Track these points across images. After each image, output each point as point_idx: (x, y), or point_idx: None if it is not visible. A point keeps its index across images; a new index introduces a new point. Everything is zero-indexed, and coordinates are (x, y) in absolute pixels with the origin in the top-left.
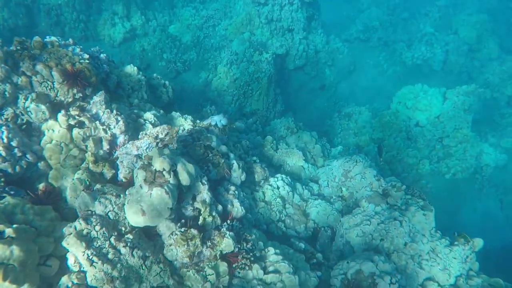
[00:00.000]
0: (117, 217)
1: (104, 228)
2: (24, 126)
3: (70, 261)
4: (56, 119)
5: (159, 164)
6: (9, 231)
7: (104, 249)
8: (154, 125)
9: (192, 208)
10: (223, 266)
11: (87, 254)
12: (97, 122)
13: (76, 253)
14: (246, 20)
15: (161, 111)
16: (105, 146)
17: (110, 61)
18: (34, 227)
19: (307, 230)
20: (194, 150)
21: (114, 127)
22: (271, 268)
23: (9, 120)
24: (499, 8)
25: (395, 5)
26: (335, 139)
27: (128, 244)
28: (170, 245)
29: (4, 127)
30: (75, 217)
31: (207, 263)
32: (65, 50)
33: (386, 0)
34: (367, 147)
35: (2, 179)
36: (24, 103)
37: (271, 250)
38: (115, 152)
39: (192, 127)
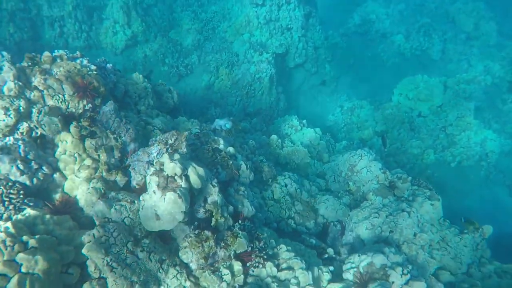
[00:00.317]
0: (132, 223)
1: (121, 234)
2: (38, 140)
3: (91, 268)
4: (68, 131)
5: (170, 169)
6: (32, 242)
7: (122, 254)
8: (162, 131)
9: (204, 210)
10: (237, 266)
11: (107, 261)
12: (108, 131)
13: (96, 260)
14: (244, 22)
15: (168, 116)
16: (117, 154)
17: (116, 70)
18: (55, 236)
19: (317, 225)
20: (202, 153)
21: (124, 135)
22: (284, 265)
23: (24, 134)
24: None
25: None
26: (339, 134)
27: (145, 249)
28: (185, 247)
29: (20, 141)
30: (92, 225)
31: (222, 263)
32: (74, 63)
33: None
34: (371, 140)
35: (22, 192)
36: (38, 116)
37: (283, 247)
38: (126, 160)
39: (199, 131)
